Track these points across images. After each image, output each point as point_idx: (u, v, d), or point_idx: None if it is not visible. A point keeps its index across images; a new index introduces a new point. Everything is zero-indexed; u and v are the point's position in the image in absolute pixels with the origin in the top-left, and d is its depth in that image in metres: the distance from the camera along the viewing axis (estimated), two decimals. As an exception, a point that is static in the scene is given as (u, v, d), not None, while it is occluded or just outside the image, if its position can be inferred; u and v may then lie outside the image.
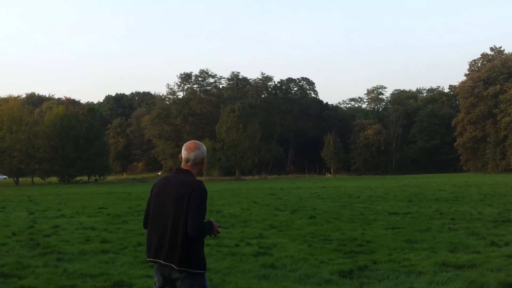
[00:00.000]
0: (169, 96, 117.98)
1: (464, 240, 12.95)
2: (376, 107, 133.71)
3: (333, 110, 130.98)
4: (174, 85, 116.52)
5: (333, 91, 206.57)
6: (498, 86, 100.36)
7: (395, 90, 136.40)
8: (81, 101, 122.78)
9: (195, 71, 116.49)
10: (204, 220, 4.55)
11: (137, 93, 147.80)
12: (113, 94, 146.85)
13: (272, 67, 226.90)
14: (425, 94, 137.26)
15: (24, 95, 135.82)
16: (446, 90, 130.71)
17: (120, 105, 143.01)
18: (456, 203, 24.77)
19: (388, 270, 9.63)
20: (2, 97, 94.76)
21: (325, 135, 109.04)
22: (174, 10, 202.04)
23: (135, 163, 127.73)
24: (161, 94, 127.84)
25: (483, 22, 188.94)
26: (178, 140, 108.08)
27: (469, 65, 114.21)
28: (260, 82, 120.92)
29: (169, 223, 4.53)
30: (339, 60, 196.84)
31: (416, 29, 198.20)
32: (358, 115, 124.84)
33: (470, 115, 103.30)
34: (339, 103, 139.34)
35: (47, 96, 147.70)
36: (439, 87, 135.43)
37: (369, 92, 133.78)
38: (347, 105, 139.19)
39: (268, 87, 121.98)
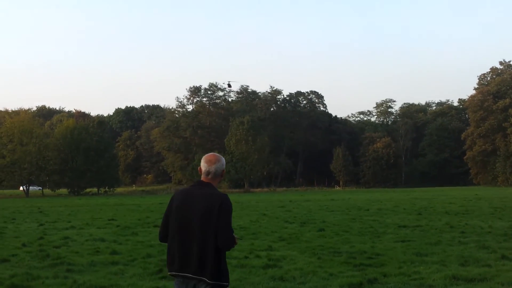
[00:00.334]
0: (179, 109, 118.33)
1: (474, 254, 12.89)
2: (385, 120, 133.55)
3: (342, 123, 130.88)
4: (183, 98, 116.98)
5: (342, 104, 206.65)
6: (507, 100, 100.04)
7: (404, 103, 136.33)
8: (91, 114, 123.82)
9: (205, 84, 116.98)
10: None
11: (147, 106, 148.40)
12: (123, 107, 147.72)
13: (281, 80, 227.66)
14: (435, 107, 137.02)
15: (34, 108, 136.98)
16: (456, 103, 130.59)
17: (130, 118, 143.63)
18: (466, 217, 24.65)
19: (398, 283, 9.60)
20: (13, 110, 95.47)
21: (334, 148, 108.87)
22: (183, 23, 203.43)
23: (145, 175, 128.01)
24: (170, 107, 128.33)
25: (493, 36, 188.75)
26: (188, 152, 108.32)
27: (478, 79, 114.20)
28: (269, 96, 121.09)
29: (196, 236, 4.52)
30: (348, 73, 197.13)
31: (425, 43, 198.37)
32: (367, 128, 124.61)
33: (479, 128, 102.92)
34: (348, 116, 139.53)
35: (57, 109, 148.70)
36: (448, 100, 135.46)
37: (378, 105, 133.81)
38: (356, 118, 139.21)
39: (277, 100, 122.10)
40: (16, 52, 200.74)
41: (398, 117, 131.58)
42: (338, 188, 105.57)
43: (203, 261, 4.50)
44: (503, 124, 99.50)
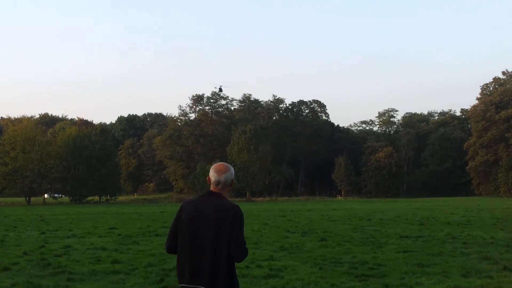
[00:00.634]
0: (181, 117, 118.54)
1: (476, 265, 12.86)
2: (387, 130, 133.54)
3: (344, 132, 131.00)
4: (186, 107, 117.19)
5: (344, 113, 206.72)
6: (510, 110, 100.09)
7: (407, 113, 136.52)
8: (94, 122, 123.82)
9: (207, 93, 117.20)
10: None
11: (149, 114, 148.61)
12: (126, 115, 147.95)
13: (283, 89, 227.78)
14: (437, 117, 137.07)
15: (37, 116, 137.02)
16: (458, 113, 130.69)
17: (132, 126, 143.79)
18: (468, 227, 24.59)
19: (400, 294, 9.57)
20: (16, 117, 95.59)
21: (336, 157, 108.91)
22: (187, 32, 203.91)
23: (146, 184, 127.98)
24: (173, 116, 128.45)
25: (495, 46, 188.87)
26: (190, 161, 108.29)
27: (481, 89, 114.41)
28: (271, 104, 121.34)
29: (208, 248, 4.47)
30: (351, 82, 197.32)
31: (427, 53, 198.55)
32: (369, 137, 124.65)
33: (482, 138, 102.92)
34: (350, 125, 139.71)
35: (60, 116, 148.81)
36: (450, 110, 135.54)
37: (380, 115, 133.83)
38: (358, 128, 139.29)
39: (280, 109, 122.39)
40: (19, 59, 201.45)
41: (400, 126, 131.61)
42: (340, 197, 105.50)
43: (216, 273, 4.45)
44: (505, 135, 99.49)
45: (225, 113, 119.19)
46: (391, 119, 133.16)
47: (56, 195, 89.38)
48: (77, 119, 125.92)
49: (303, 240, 19.35)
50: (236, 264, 4.65)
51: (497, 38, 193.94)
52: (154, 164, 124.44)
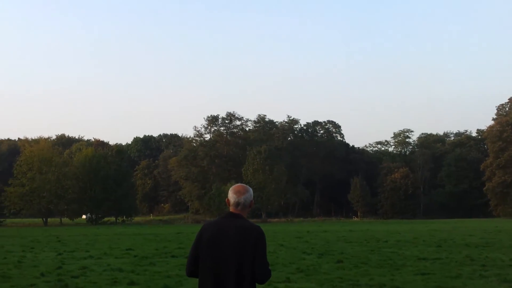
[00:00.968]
0: (196, 138, 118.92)
1: (496, 287, 12.71)
2: (403, 150, 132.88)
3: (360, 153, 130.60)
4: (201, 128, 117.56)
5: (360, 134, 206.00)
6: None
7: (422, 133, 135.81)
8: (110, 143, 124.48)
9: (222, 114, 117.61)
10: None
11: (165, 135, 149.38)
12: (142, 136, 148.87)
13: (298, 110, 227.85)
14: (453, 138, 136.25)
15: (54, 137, 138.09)
16: (474, 134, 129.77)
17: (148, 146, 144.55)
18: (487, 249, 24.32)
19: (419, 317, 9.48)
20: (33, 138, 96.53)
21: (351, 178, 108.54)
22: (201, 53, 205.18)
23: (162, 205, 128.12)
24: (188, 136, 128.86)
25: (511, 66, 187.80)
26: (205, 182, 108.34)
27: (496, 109, 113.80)
28: (286, 125, 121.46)
29: (231, 270, 4.43)
30: (366, 103, 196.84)
31: (443, 73, 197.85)
32: (384, 158, 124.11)
33: (499, 159, 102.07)
34: (365, 146, 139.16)
35: (76, 137, 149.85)
36: (466, 131, 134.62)
37: (395, 135, 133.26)
38: (374, 148, 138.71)
39: (294, 130, 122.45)
40: (35, 80, 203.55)
41: (416, 147, 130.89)
42: (356, 218, 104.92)
43: None
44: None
45: (240, 134, 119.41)
46: (407, 140, 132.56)
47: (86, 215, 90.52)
48: (93, 140, 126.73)
49: (320, 262, 19.24)
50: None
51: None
52: (169, 184, 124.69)
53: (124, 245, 29.24)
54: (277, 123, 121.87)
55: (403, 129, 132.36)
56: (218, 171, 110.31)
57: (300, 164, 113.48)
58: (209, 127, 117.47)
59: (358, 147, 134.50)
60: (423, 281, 14.02)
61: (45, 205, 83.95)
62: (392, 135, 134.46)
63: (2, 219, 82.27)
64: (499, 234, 38.14)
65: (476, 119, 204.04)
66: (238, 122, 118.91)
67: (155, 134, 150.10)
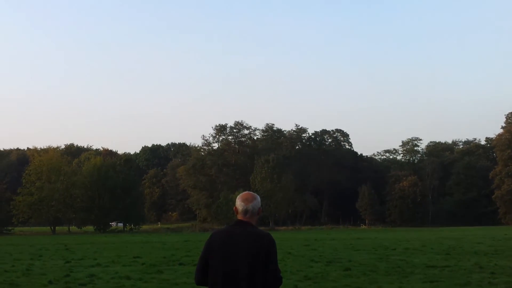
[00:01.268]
0: (204, 147, 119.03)
1: (505, 295, 12.63)
2: (411, 159, 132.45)
3: (368, 161, 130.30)
4: (209, 137, 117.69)
5: (368, 142, 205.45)
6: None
7: (431, 142, 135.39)
8: (118, 152, 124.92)
9: (230, 123, 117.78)
10: None
11: (173, 144, 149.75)
12: (150, 145, 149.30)
13: (306, 118, 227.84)
14: (461, 146, 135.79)
15: (63, 146, 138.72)
16: (483, 142, 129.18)
17: (156, 155, 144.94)
18: (496, 257, 24.17)
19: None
20: (42, 148, 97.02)
21: (359, 186, 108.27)
22: (208, 62, 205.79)
23: (170, 213, 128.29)
24: (196, 145, 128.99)
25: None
26: (213, 190, 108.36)
27: (505, 117, 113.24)
28: (294, 134, 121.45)
29: (242, 277, 4.40)
30: (374, 111, 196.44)
31: (451, 81, 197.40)
32: (393, 166, 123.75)
33: (508, 167, 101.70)
34: (373, 154, 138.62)
35: (85, 147, 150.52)
36: (475, 139, 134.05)
37: (404, 144, 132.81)
38: (382, 157, 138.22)
39: (303, 139, 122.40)
40: (44, 91, 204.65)
41: (424, 155, 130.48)
42: (364, 226, 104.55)
43: None
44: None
45: (248, 143, 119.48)
46: (415, 148, 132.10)
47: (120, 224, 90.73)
48: (102, 149, 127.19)
49: (328, 270, 19.18)
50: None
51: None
52: (177, 193, 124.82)
53: (132, 253, 29.27)
54: (285, 132, 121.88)
55: (412, 138, 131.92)
56: (226, 180, 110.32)
57: (308, 172, 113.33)
58: (217, 136, 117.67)
59: (366, 156, 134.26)
60: (431, 288, 13.95)
61: (53, 214, 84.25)
62: (401, 144, 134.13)
63: (10, 228, 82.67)
64: (508, 241, 37.89)
65: (485, 127, 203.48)
66: (246, 131, 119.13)
67: (163, 144, 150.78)
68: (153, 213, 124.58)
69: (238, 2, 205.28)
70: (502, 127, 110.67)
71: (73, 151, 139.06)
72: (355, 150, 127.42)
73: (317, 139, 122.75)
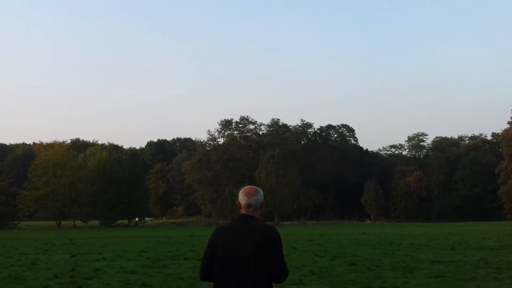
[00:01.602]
0: (210, 142, 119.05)
1: (510, 290, 12.59)
2: (417, 154, 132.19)
3: (373, 156, 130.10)
4: (214, 132, 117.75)
5: (373, 137, 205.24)
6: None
7: (437, 137, 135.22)
8: (124, 147, 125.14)
9: (236, 118, 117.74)
10: None
11: (179, 139, 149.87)
12: (155, 140, 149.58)
13: (312, 113, 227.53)
14: (467, 141, 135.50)
15: (69, 141, 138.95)
16: (489, 137, 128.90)
17: (162, 150, 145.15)
18: (501, 252, 24.09)
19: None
20: (48, 142, 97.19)
21: (365, 181, 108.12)
22: (214, 59, 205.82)
23: (175, 208, 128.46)
24: (201, 140, 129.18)
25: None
26: (218, 185, 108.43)
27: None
28: (300, 129, 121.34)
29: (250, 271, 4.37)
30: (379, 106, 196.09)
31: (457, 77, 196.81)
32: (398, 162, 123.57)
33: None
34: (379, 149, 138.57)
35: (91, 141, 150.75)
36: (481, 134, 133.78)
37: (410, 139, 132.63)
38: (387, 152, 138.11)
39: (308, 134, 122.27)
40: (50, 85, 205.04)
41: (430, 151, 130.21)
42: (369, 222, 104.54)
43: None
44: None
45: (254, 138, 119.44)
46: (421, 143, 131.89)
47: (148, 218, 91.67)
48: (107, 144, 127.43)
49: (333, 265, 19.16)
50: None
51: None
52: (182, 188, 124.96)
53: (137, 248, 29.33)
54: (290, 127, 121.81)
55: (417, 133, 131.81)
56: (231, 175, 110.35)
57: (314, 167, 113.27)
58: (223, 131, 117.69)
59: (372, 151, 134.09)
60: (437, 284, 13.92)
61: (59, 208, 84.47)
62: (406, 139, 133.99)
63: (16, 222, 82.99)
64: (514, 237, 37.77)
65: (491, 122, 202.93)
66: (251, 126, 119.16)
67: (169, 138, 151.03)
68: (158, 207, 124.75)
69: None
70: (509, 123, 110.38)
71: (78, 146, 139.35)
72: (360, 145, 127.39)
73: (323, 134, 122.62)
